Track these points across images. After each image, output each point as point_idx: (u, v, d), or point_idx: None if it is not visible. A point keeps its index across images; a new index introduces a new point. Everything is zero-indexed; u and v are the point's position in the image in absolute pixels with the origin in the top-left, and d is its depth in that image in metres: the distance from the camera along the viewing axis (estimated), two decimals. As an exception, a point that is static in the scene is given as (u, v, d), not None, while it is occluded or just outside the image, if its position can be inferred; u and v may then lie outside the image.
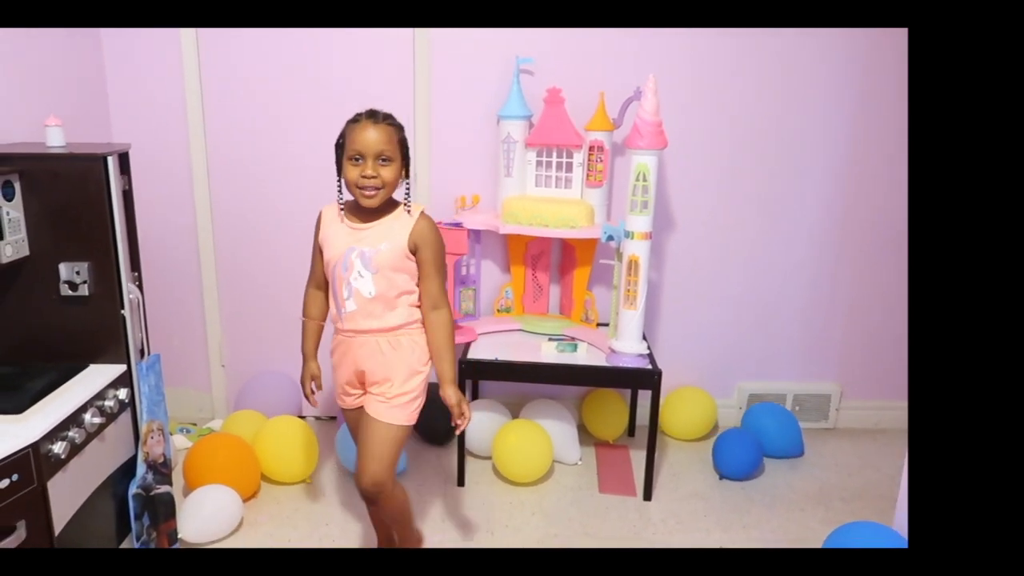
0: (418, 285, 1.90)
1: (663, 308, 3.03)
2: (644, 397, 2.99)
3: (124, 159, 2.02)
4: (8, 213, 1.83)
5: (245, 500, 2.44)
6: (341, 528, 2.39)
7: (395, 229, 1.84)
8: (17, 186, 1.86)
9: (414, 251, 1.85)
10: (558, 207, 2.64)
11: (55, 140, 1.99)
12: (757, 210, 2.93)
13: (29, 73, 2.27)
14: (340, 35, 2.70)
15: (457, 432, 2.05)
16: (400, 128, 1.84)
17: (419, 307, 1.92)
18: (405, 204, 1.88)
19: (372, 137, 1.77)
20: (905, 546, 1.91)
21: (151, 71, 2.74)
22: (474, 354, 2.59)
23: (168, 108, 2.78)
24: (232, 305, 3.00)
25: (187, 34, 2.70)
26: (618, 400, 2.97)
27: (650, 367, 2.50)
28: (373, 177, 1.78)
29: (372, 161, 1.78)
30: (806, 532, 2.40)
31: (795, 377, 3.11)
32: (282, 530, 2.37)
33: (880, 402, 3.13)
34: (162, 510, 2.13)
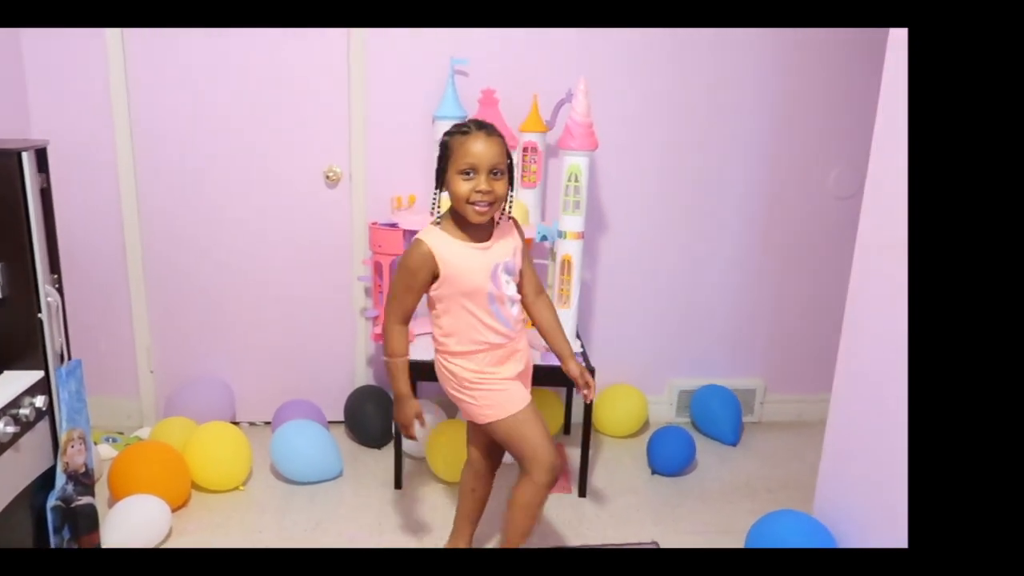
0: (520, 279, 1.94)
1: (596, 307, 3.09)
2: (579, 395, 3.04)
3: (42, 155, 1.94)
4: (-87, 213, 1.74)
5: (174, 509, 2.38)
6: (276, 535, 2.35)
7: (511, 237, 1.88)
8: (-77, 185, 1.77)
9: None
10: (493, 208, 2.66)
11: (-35, 137, 1.90)
12: (687, 212, 3.02)
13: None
14: (274, 31, 2.66)
15: (587, 401, 2.09)
16: (505, 140, 1.79)
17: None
18: (503, 213, 1.88)
19: (486, 150, 1.71)
20: (824, 532, 2.01)
21: (74, 63, 2.64)
22: (411, 355, 2.58)
23: (92, 102, 2.67)
24: (161, 308, 2.91)
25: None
26: (553, 398, 3.01)
27: (583, 365, 2.54)
28: (488, 192, 1.73)
29: (485, 175, 1.72)
30: (734, 522, 2.49)
31: (723, 373, 3.21)
32: (214, 539, 2.31)
33: (800, 396, 3.27)
34: (83, 522, 2.05)
